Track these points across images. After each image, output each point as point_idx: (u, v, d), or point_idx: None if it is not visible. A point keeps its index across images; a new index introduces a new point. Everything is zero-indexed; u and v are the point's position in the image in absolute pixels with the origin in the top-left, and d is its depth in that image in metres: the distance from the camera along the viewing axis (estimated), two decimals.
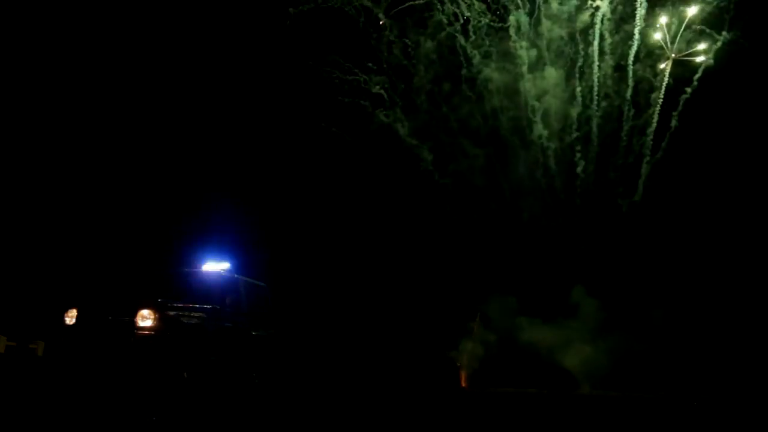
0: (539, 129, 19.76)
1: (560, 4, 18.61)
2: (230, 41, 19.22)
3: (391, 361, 17.29)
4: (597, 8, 18.30)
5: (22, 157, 18.96)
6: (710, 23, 17.85)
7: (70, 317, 10.76)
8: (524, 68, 19.33)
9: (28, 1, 18.41)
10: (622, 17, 18.49)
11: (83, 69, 19.26)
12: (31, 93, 18.94)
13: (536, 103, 19.59)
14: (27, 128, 19.12)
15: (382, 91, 19.96)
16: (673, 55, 18.42)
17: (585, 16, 18.67)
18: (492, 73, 19.58)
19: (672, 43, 18.23)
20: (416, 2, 18.72)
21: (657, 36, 18.33)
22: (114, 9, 18.57)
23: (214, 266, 12.30)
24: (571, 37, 19.15)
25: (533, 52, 19.23)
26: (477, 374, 18.45)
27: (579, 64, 19.29)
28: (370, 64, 19.85)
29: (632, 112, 19.37)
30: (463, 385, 18.35)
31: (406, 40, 19.65)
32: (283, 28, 18.76)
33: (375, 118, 20.09)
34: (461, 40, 19.39)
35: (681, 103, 18.67)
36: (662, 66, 18.55)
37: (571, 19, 18.79)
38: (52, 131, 19.41)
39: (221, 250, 12.84)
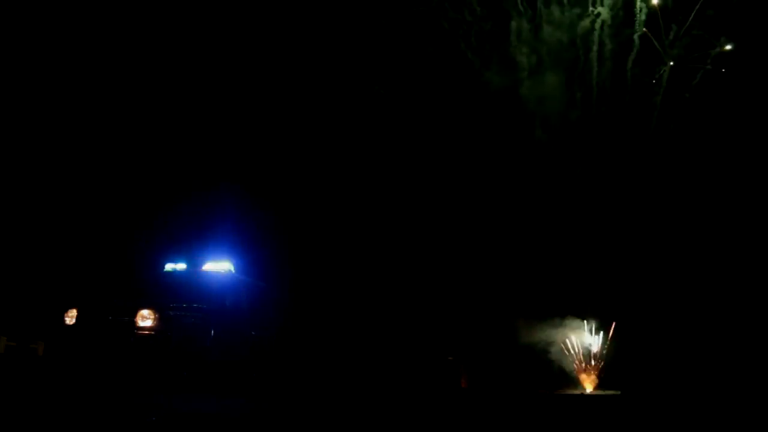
0: (539, 133, 19.84)
1: (561, 13, 18.66)
2: (229, 41, 19.23)
3: (393, 362, 17.28)
4: (598, 14, 18.30)
5: (22, 158, 18.92)
6: (709, 29, 17.84)
7: (70, 317, 10.85)
8: (524, 73, 19.40)
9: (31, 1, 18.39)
10: (623, 23, 18.49)
11: (85, 69, 19.26)
12: (32, 92, 18.92)
13: (536, 109, 19.68)
14: (28, 128, 19.10)
15: (382, 92, 19.99)
16: (671, 63, 18.42)
17: (586, 23, 18.68)
18: (492, 76, 19.67)
19: (671, 48, 18.22)
20: (420, 9, 18.78)
21: (656, 43, 18.34)
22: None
23: (215, 266, 12.34)
24: (572, 42, 19.18)
25: (533, 58, 19.31)
26: (477, 374, 18.46)
27: (578, 68, 19.32)
28: (373, 66, 19.87)
29: (631, 116, 19.39)
30: (464, 385, 18.35)
31: (409, 44, 19.67)
32: (288, 31, 18.85)
33: (376, 120, 20.11)
34: (462, 44, 19.45)
35: (679, 106, 18.69)
36: (655, 79, 18.61)
37: (573, 24, 18.81)
38: (53, 131, 19.39)
39: (222, 250, 12.84)
